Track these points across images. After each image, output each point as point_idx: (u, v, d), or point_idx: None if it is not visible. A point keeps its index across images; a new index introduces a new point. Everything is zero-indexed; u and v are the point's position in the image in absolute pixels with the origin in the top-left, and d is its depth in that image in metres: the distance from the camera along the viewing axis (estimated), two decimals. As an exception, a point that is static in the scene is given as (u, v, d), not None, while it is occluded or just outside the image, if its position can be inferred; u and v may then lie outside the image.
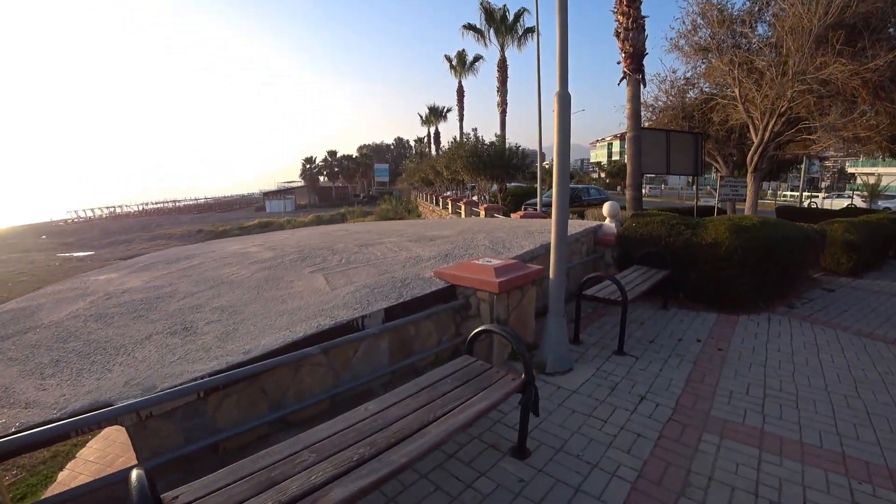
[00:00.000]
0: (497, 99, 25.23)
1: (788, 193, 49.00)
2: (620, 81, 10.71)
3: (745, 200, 12.31)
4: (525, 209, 17.45)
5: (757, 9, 11.31)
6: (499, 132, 22.49)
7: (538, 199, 14.01)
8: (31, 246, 43.14)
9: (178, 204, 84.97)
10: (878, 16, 9.20)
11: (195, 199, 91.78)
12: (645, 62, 10.59)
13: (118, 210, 79.10)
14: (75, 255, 36.19)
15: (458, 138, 23.83)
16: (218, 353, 3.11)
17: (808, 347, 5.03)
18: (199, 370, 2.87)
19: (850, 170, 56.51)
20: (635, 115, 10.20)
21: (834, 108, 9.73)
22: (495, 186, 20.42)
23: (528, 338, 4.41)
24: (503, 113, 24.96)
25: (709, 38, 12.14)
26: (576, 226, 6.99)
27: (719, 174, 15.00)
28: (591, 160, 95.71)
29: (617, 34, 10.84)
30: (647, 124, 14.90)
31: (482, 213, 15.17)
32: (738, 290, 5.79)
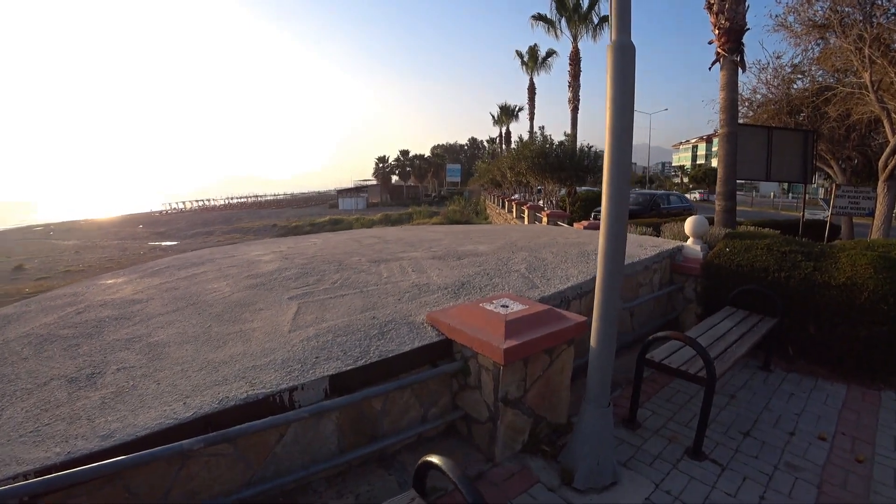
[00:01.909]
0: (568, 95, 23.17)
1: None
2: (712, 65, 8.78)
3: (870, 215, 9.89)
4: (594, 217, 15.64)
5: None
6: (569, 131, 20.62)
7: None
8: (129, 234, 46.91)
9: (259, 199, 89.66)
10: None
11: (275, 195, 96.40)
12: (744, 41, 8.59)
13: (207, 203, 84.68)
14: (163, 244, 38.85)
15: (526, 138, 22.19)
16: (80, 431, 2.16)
17: None
18: (35, 459, 1.93)
19: None
20: (731, 107, 8.26)
21: None
22: (563, 190, 18.69)
23: (557, 418, 3.02)
24: (574, 110, 22.79)
25: (828, 12, 9.85)
26: (647, 246, 5.42)
27: (832, 182, 12.44)
28: (674, 164, 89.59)
29: (709, 6, 8.89)
30: (742, 121, 12.64)
31: (544, 219, 13.63)
32: (884, 355, 3.99)
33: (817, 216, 17.33)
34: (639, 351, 3.23)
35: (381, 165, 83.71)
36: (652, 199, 17.06)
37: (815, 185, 36.57)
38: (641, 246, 5.38)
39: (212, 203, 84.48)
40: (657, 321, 5.05)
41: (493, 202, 32.96)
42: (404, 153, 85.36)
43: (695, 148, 76.38)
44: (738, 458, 3.09)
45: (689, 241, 5.25)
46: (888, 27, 8.97)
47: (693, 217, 5.18)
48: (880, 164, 9.17)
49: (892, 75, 8.62)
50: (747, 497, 2.73)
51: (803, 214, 11.47)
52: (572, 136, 19.44)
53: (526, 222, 17.44)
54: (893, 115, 8.91)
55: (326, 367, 2.64)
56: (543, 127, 17.87)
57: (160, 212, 76.82)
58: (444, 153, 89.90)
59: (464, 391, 2.92)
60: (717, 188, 8.38)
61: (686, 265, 5.08)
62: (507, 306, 2.86)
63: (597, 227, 8.49)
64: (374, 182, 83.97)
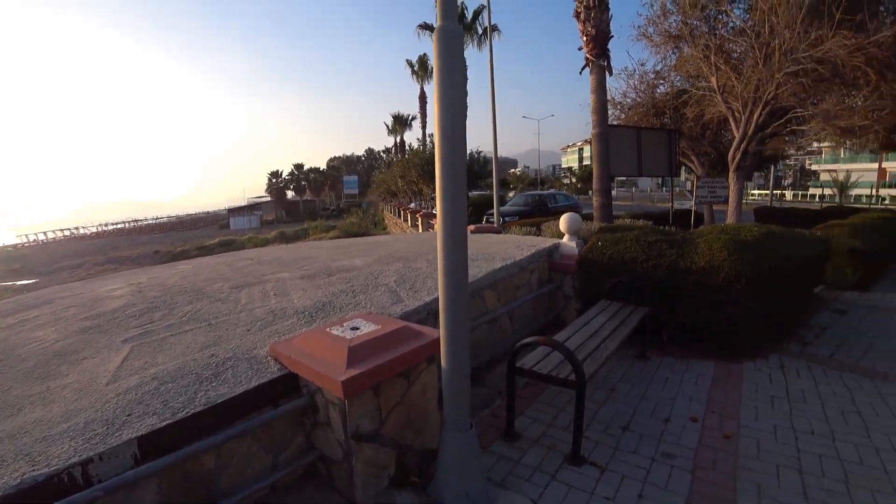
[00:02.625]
0: None
1: (756, 192, 49.03)
2: (582, 70, 9.19)
3: (725, 202, 10.92)
4: (486, 220, 15.86)
5: (733, -10, 10.02)
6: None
7: (495, 210, 12.37)
8: None
9: (139, 223, 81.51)
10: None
11: (156, 218, 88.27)
12: (611, 48, 9.09)
13: (76, 231, 75.27)
14: (18, 282, 33.54)
15: (418, 146, 22.11)
16: None
17: (849, 419, 3.46)
18: None
19: (814, 167, 57.21)
20: (601, 109, 8.67)
21: (829, 94, 8.39)
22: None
23: (427, 442, 2.70)
24: (462, 117, 23.04)
25: (680, 24, 10.79)
26: (525, 246, 5.35)
27: (695, 175, 13.69)
28: (563, 165, 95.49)
29: (577, 15, 9.34)
30: (616, 123, 13.50)
31: (410, 230, 13.54)
32: (742, 330, 4.19)
33: (685, 206, 19.03)
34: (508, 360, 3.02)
35: (274, 181, 79.94)
36: (540, 200, 17.75)
37: (683, 178, 40.56)
38: (519, 247, 5.31)
39: (82, 231, 75.28)
40: (539, 321, 4.98)
41: (391, 212, 32.62)
42: (298, 167, 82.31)
43: (581, 150, 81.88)
44: (618, 457, 2.98)
45: (565, 239, 5.26)
46: (728, 38, 9.99)
47: (567, 214, 5.20)
48: (729, 157, 10.13)
49: (734, 80, 9.55)
50: (625, 498, 2.60)
51: (672, 205, 12.44)
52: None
53: (420, 230, 17.31)
54: (737, 114, 9.89)
55: (138, 425, 2.10)
56: (433, 135, 17.83)
57: (15, 245, 66.87)
58: (342, 165, 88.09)
59: (316, 429, 2.51)
60: (594, 185, 8.73)
61: (563, 262, 5.07)
62: (358, 328, 2.50)
63: (485, 230, 8.45)
64: (268, 198, 79.99)
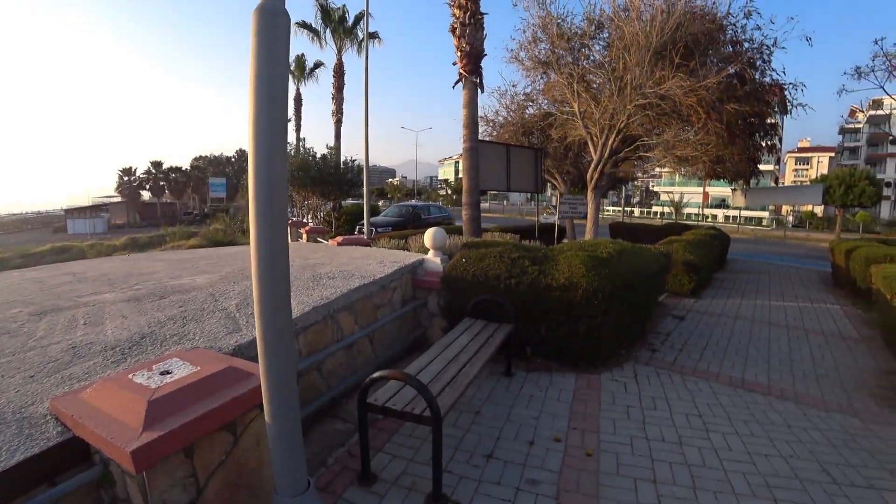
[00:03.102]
0: (332, 107, 22.75)
1: (610, 209, 54.97)
2: (455, 84, 9.29)
3: (585, 218, 11.80)
4: (358, 231, 15.44)
5: (594, 28, 10.91)
6: (333, 143, 20.18)
7: (365, 221, 12.05)
8: None
9: (-59, 225, 67.10)
10: (708, 37, 9.14)
11: (-33, 220, 73.50)
12: (485, 67, 9.32)
13: None
14: None
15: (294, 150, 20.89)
16: None
17: (692, 422, 3.75)
18: None
19: (655, 189, 66.16)
20: (472, 123, 8.82)
21: (669, 127, 9.47)
22: (330, 204, 18.11)
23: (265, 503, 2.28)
24: (338, 123, 22.42)
25: (549, 52, 11.48)
26: (388, 262, 5.09)
27: (558, 191, 14.68)
28: (440, 177, 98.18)
29: (453, 30, 9.43)
30: (487, 139, 13.98)
31: (305, 236, 12.80)
32: (600, 341, 4.36)
33: (549, 220, 20.40)
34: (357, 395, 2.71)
35: (126, 179, 70.91)
36: (413, 211, 17.77)
37: (549, 194, 43.84)
38: (382, 262, 5.04)
39: None
40: (404, 341, 4.75)
41: (264, 219, 30.51)
42: (156, 165, 73.88)
43: (457, 163, 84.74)
44: (482, 490, 2.81)
45: (430, 254, 5.11)
46: (589, 69, 10.85)
47: (432, 229, 5.05)
48: (588, 176, 10.99)
49: (593, 107, 10.39)
50: (487, 541, 2.43)
51: (538, 220, 13.12)
52: (336, 149, 19.03)
53: (289, 241, 16.28)
54: (595, 138, 10.75)
55: None
56: (304, 139, 17.03)
57: None
58: (208, 166, 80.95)
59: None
60: (464, 199, 8.82)
61: (427, 279, 4.90)
62: (169, 373, 2.01)
63: (353, 243, 8.05)
64: (119, 199, 70.63)
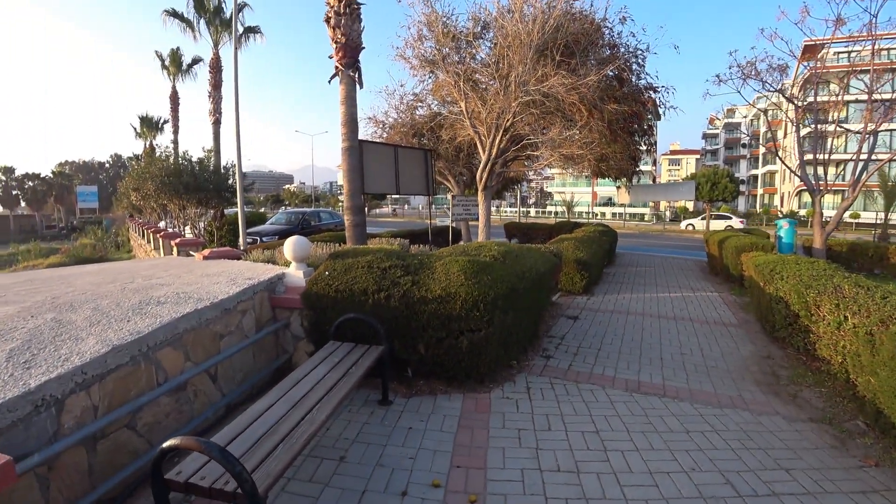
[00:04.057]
0: (210, 106, 20.52)
1: (508, 210, 56.83)
2: (332, 79, 8.50)
3: (478, 219, 11.54)
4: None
5: (479, 28, 10.65)
6: (212, 146, 18.26)
7: (240, 229, 10.84)
8: None
9: None
10: (587, 38, 9.21)
11: None
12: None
13: None
14: None
15: (160, 153, 18.59)
16: None
17: (590, 441, 3.36)
18: None
19: (549, 189, 69.76)
20: (351, 121, 8.08)
21: (554, 125, 9.42)
22: (210, 213, 16.35)
23: None
24: (216, 123, 20.08)
25: (435, 51, 11.05)
26: (241, 279, 4.22)
27: (451, 193, 14.37)
28: (339, 182, 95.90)
29: (327, 20, 8.63)
30: (377, 140, 13.30)
31: (175, 249, 11.25)
32: (486, 355, 3.84)
33: (445, 223, 20.17)
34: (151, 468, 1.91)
35: (-34, 190, 60.72)
36: (303, 218, 16.53)
37: (449, 196, 44.30)
38: (234, 280, 4.16)
39: None
40: (263, 372, 3.94)
41: (136, 231, 27.24)
42: (8, 171, 64.14)
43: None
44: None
45: (292, 268, 4.33)
46: (476, 68, 10.57)
47: (291, 238, 4.26)
48: (478, 177, 10.69)
49: (480, 107, 10.10)
50: None
51: (430, 222, 12.68)
52: (215, 152, 17.25)
53: (162, 254, 14.43)
54: (483, 138, 10.49)
55: None
56: (176, 141, 15.17)
57: None
58: (76, 172, 71.81)
59: None
60: (345, 203, 8.07)
61: (287, 297, 4.11)
62: None
63: (222, 256, 6.95)
64: (-41, 211, 60.17)
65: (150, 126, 38.29)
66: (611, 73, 9.47)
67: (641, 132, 11.15)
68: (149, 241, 19.39)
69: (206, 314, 3.35)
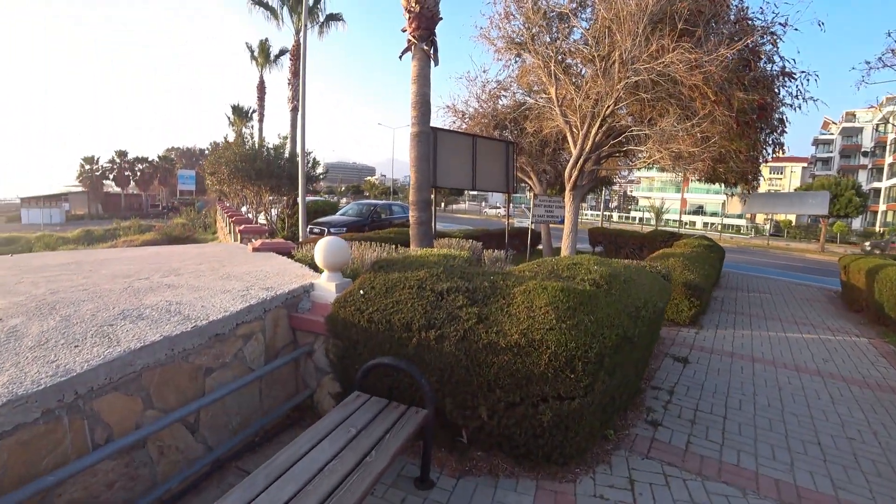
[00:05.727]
0: (289, 94, 20.49)
1: (589, 214, 53.78)
2: (403, 54, 7.47)
3: (562, 223, 10.12)
4: (310, 231, 13.52)
5: (576, 4, 9.22)
6: (288, 133, 18.03)
7: (300, 220, 10.17)
8: None
9: None
10: (711, 8, 7.53)
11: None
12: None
13: None
14: None
15: (237, 139, 18.71)
16: None
17: None
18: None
19: (634, 194, 65.49)
20: (422, 103, 7.01)
21: (666, 114, 7.79)
22: (284, 201, 16.14)
23: None
24: (294, 111, 19.89)
25: (523, 30, 9.77)
26: (257, 288, 3.26)
27: (533, 192, 12.99)
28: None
29: (400, -13, 7.63)
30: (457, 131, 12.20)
31: (239, 237, 10.89)
32: (578, 434, 2.59)
33: (524, 224, 18.76)
34: None
35: (88, 168, 67.31)
36: (373, 210, 15.55)
37: (529, 195, 42.33)
38: (247, 290, 3.20)
39: None
40: (271, 413, 2.95)
41: (221, 215, 28.29)
42: (121, 154, 70.49)
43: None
44: None
45: (323, 278, 3.30)
46: (570, 49, 9.17)
47: (325, 239, 3.22)
48: (566, 174, 9.30)
49: (573, 92, 8.71)
50: None
51: (507, 223, 11.43)
52: (291, 139, 17.00)
53: (233, 240, 14.34)
54: (574, 129, 9.09)
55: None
56: (261, 129, 15.06)
57: None
58: (180, 157, 77.63)
59: None
60: (411, 197, 7.00)
61: (309, 318, 3.08)
62: None
63: (273, 248, 6.20)
64: (81, 189, 66.94)
65: (240, 115, 39.98)
66: (745, 46, 7.68)
67: (770, 128, 9.16)
68: (227, 225, 19.78)
69: (183, 342, 2.38)
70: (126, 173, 72.26)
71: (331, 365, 3.02)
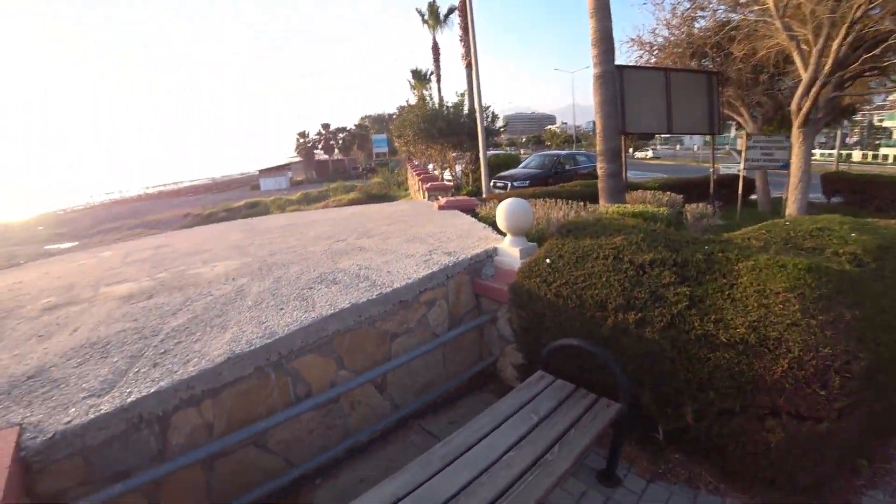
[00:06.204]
0: (461, 51, 20.42)
1: (818, 153, 43.61)
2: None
3: (784, 168, 8.33)
4: (493, 186, 13.55)
5: None
6: (465, 90, 18.14)
7: (482, 174, 10.12)
8: (25, 238, 40.62)
9: (179, 185, 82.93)
10: None
11: (192, 181, 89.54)
12: None
13: (120, 196, 77.42)
14: (62, 246, 33.79)
15: (419, 101, 19.49)
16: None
17: None
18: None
19: (885, 123, 50.76)
20: (604, 39, 6.17)
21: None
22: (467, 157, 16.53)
23: None
24: (468, 67, 19.79)
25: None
26: (439, 251, 3.25)
27: (744, 132, 10.90)
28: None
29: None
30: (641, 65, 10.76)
31: (425, 195, 11.41)
32: (815, 464, 1.98)
33: (731, 170, 16.11)
34: None
35: (302, 141, 78.81)
36: (556, 161, 14.47)
37: (734, 135, 36.01)
38: (431, 253, 3.21)
39: (123, 196, 77.11)
40: (454, 379, 2.98)
41: (410, 174, 30.47)
42: (325, 126, 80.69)
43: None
44: None
45: (506, 242, 3.12)
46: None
47: (508, 202, 3.01)
48: (793, 107, 7.49)
49: (804, -3, 6.85)
50: None
51: (713, 170, 9.88)
52: (468, 95, 17.04)
53: (421, 196, 15.23)
54: (804, 46, 7.20)
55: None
56: (439, 89, 15.53)
57: (63, 210, 68.66)
58: (372, 123, 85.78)
59: None
60: (598, 146, 6.36)
61: (493, 286, 2.94)
62: None
63: (457, 206, 6.29)
64: (298, 159, 78.99)
65: (419, 78, 41.74)
66: None
67: None
68: (416, 183, 21.17)
69: (369, 310, 2.49)
70: (330, 142, 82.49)
71: (514, 335, 2.87)
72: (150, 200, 68.55)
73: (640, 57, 11.53)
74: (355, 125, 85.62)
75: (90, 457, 1.75)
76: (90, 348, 2.31)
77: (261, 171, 76.19)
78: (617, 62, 6.78)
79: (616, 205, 4.83)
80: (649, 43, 11.24)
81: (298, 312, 2.40)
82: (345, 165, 77.32)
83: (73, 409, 1.80)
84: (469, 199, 6.95)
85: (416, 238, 4.01)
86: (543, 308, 2.51)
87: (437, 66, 28.79)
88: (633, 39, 11.26)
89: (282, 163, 77.68)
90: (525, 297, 2.61)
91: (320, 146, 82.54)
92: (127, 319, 2.64)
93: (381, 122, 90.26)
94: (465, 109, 16.15)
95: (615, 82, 6.29)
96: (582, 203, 4.78)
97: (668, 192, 6.92)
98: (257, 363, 2.09)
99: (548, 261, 2.61)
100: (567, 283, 2.43)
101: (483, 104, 15.74)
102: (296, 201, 41.93)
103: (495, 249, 3.20)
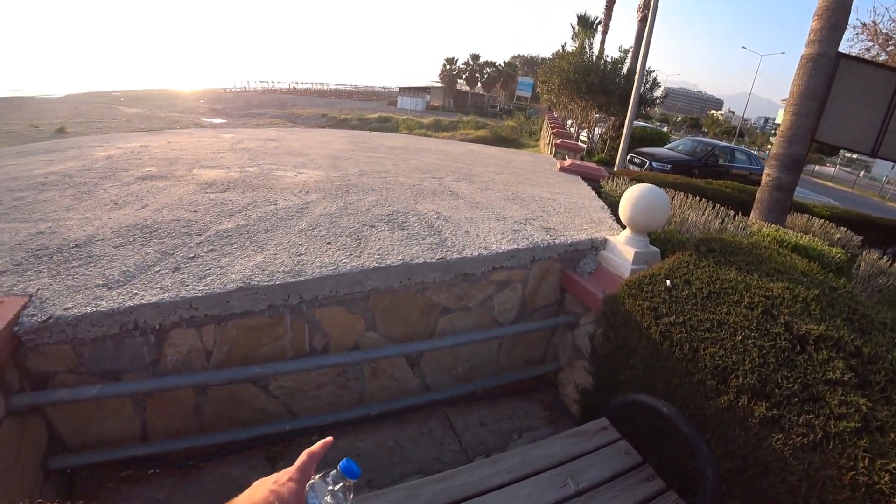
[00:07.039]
0: (639, 1, 17.84)
1: None
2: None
3: None
4: (629, 161, 12.21)
5: None
6: (631, 47, 16.08)
7: (621, 149, 8.96)
8: (188, 108, 46.05)
9: (324, 87, 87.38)
10: None
11: (337, 86, 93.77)
12: None
13: (272, 85, 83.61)
14: (214, 120, 37.86)
15: (575, 48, 17.74)
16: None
17: None
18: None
19: None
20: (835, 8, 4.77)
21: None
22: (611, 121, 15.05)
23: None
24: (643, 21, 17.14)
25: None
26: (533, 226, 2.69)
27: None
28: (777, 121, 78.50)
29: None
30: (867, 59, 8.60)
31: (553, 150, 10.58)
32: None
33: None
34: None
35: (448, 67, 78.19)
36: (710, 151, 12.46)
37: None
38: (526, 224, 2.68)
39: (274, 86, 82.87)
40: (505, 374, 2.53)
41: (546, 125, 28.96)
42: (475, 57, 78.97)
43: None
44: None
45: (621, 236, 2.48)
46: None
47: (641, 188, 2.34)
48: None
49: None
50: None
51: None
52: (633, 54, 15.10)
53: (549, 152, 14.30)
54: None
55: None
56: (603, 41, 14.04)
57: (225, 89, 76.09)
58: (523, 65, 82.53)
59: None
60: (774, 148, 5.17)
61: (587, 286, 2.34)
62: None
63: (581, 172, 5.59)
64: (440, 84, 79.00)
65: (585, 26, 38.21)
66: None
67: None
68: (548, 136, 20.01)
69: (423, 274, 2.06)
70: (476, 74, 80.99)
71: (591, 354, 2.32)
72: (297, 95, 73.11)
73: (868, 50, 9.28)
74: (505, 62, 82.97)
75: (81, 349, 1.63)
76: (139, 231, 2.17)
77: (401, 89, 77.53)
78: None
79: (774, 226, 3.83)
80: (885, 34, 8.97)
81: (341, 254, 2.05)
82: (483, 101, 76.04)
83: (80, 296, 1.65)
84: (597, 167, 6.12)
85: (519, 198, 3.47)
86: (639, 342, 1.91)
87: (608, 16, 26.20)
88: (864, 25, 9.03)
89: (422, 85, 78.19)
90: (620, 320, 2.02)
91: (465, 76, 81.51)
92: (189, 209, 2.49)
93: (532, 64, 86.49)
94: (625, 70, 14.46)
95: (827, 71, 4.94)
96: (732, 212, 3.86)
97: (843, 228, 5.51)
98: (272, 301, 1.82)
99: (668, 282, 1.97)
100: (684, 324, 1.78)
101: (647, 68, 13.99)
102: (426, 125, 42.28)
103: (604, 241, 2.58)
